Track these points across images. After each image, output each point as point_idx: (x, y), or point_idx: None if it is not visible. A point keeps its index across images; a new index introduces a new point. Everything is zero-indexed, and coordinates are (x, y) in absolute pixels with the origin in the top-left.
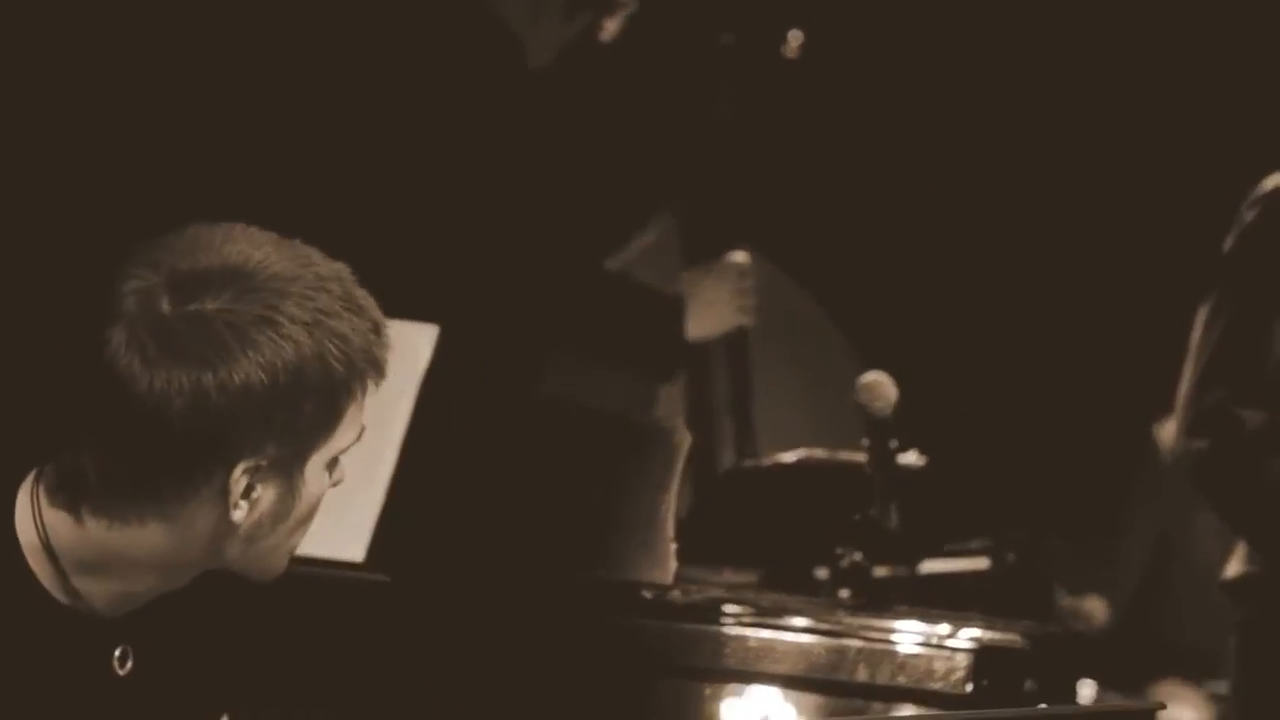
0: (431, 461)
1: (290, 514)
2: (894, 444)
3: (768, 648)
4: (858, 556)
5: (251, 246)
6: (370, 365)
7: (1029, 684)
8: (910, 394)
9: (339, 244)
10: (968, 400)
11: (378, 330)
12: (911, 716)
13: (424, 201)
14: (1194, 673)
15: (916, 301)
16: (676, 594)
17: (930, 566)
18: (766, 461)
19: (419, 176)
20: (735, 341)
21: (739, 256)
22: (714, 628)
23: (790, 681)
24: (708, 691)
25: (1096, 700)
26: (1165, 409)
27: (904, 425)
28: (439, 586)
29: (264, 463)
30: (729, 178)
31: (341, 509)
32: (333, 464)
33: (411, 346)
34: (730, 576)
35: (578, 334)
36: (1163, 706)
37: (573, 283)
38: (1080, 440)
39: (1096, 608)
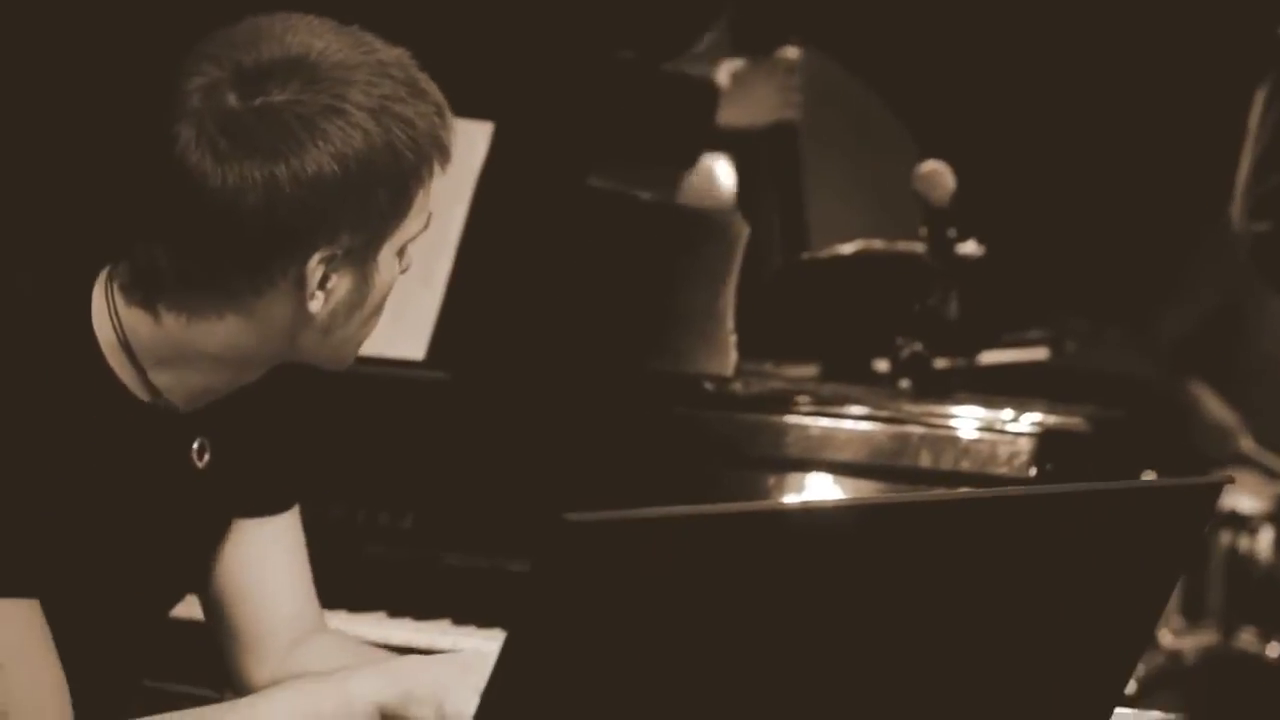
0: (490, 258)
1: (365, 302)
2: (952, 233)
3: (829, 436)
4: (918, 346)
5: (313, 36)
6: (436, 149)
7: (1092, 469)
8: (969, 182)
9: (394, 40)
10: (1026, 188)
11: (441, 113)
12: (975, 491)
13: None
14: (1245, 457)
15: (975, 90)
16: (738, 385)
17: (991, 357)
18: (824, 253)
19: None
20: (783, 135)
21: (789, 52)
22: (776, 417)
23: (853, 469)
24: (771, 481)
25: None
26: (1226, 193)
27: (962, 214)
28: (499, 383)
29: (339, 252)
30: None
31: (401, 308)
32: (402, 252)
33: (467, 144)
34: (790, 370)
35: (615, 124)
36: (1231, 480)
37: (608, 73)
38: (1140, 228)
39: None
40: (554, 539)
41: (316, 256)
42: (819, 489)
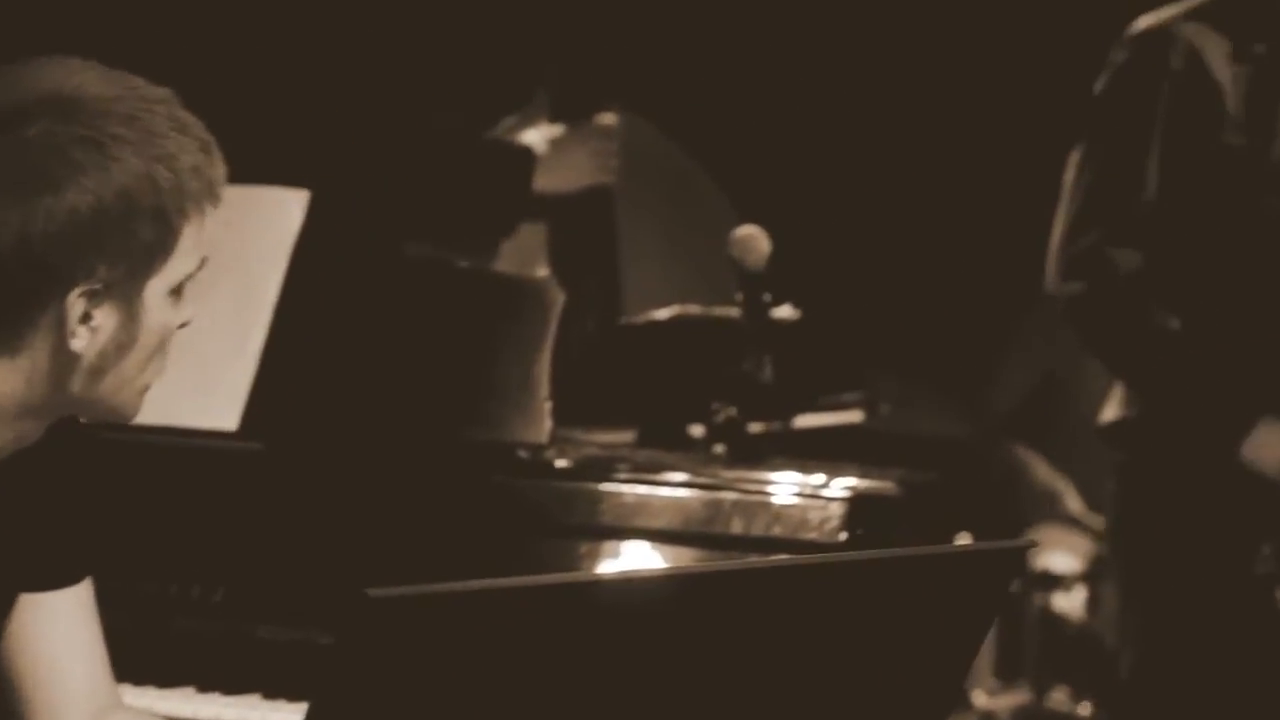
0: (306, 327)
1: (136, 343)
2: (767, 297)
3: (643, 503)
4: (732, 411)
5: (70, 73)
6: (202, 185)
7: (904, 533)
8: (785, 247)
9: (213, 111)
10: (842, 251)
11: (208, 150)
12: (784, 559)
13: (297, 70)
14: (1073, 518)
15: (792, 154)
16: (552, 453)
17: (806, 420)
18: (640, 318)
19: (289, 47)
20: (599, 200)
21: (606, 118)
22: (589, 485)
23: (668, 536)
24: (584, 549)
25: None
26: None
27: (778, 278)
28: (314, 454)
29: (99, 287)
30: (602, 38)
31: (214, 377)
32: (177, 294)
33: (283, 211)
34: (606, 436)
35: (432, 191)
36: (1033, 544)
37: (425, 140)
38: (958, 291)
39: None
40: (356, 614)
41: (76, 291)
42: (633, 557)
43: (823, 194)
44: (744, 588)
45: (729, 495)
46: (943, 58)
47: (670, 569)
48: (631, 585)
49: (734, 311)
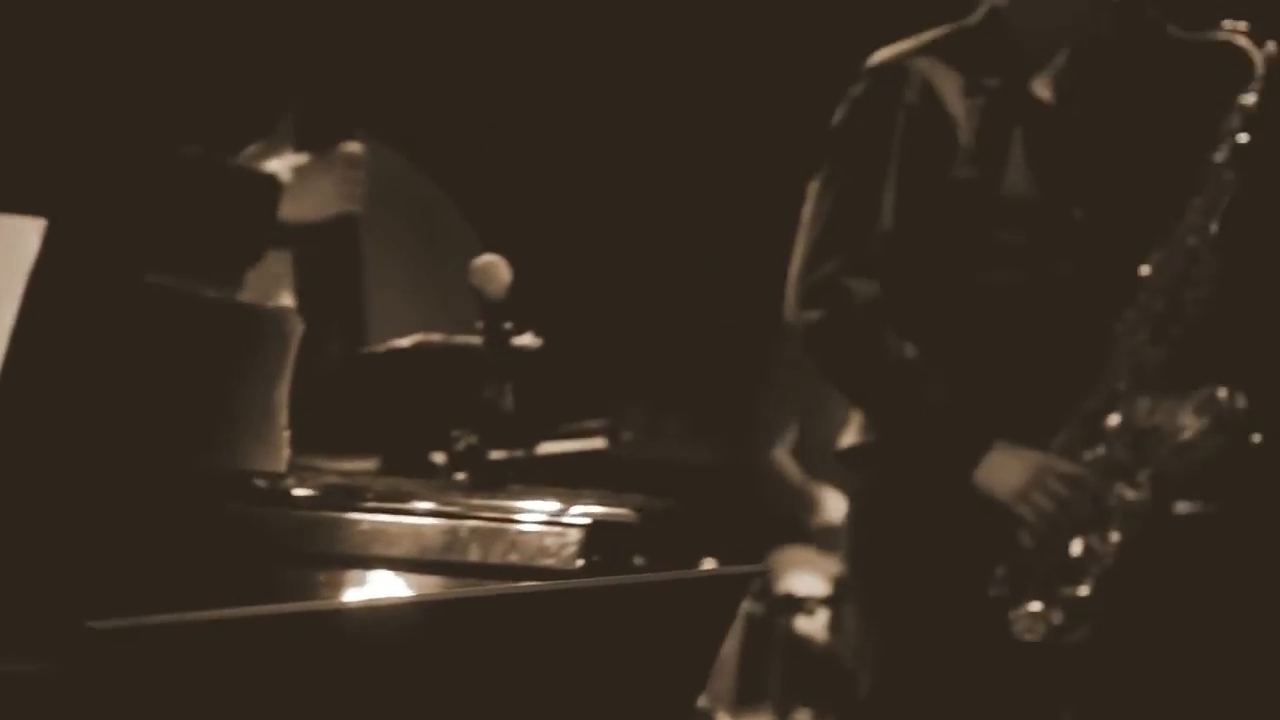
0: (42, 358)
1: None
2: (508, 326)
3: (380, 531)
4: (473, 439)
5: None
6: None
7: (642, 559)
8: (530, 276)
9: None
10: (590, 282)
11: None
12: (519, 585)
13: (31, 96)
14: (826, 540)
15: (539, 182)
16: (290, 481)
17: (548, 447)
18: (382, 347)
19: (23, 70)
20: (344, 229)
21: (351, 146)
22: (327, 513)
23: (405, 564)
24: (323, 578)
25: None
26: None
27: (522, 308)
28: (47, 484)
29: None
30: (347, 66)
31: None
32: None
33: (19, 240)
34: (348, 464)
35: (175, 219)
36: (765, 570)
37: (167, 167)
38: (713, 319)
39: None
40: (78, 646)
41: None
42: (373, 585)
43: (570, 223)
44: (481, 614)
45: (467, 523)
46: (684, 89)
47: (409, 596)
48: (371, 613)
49: (475, 340)
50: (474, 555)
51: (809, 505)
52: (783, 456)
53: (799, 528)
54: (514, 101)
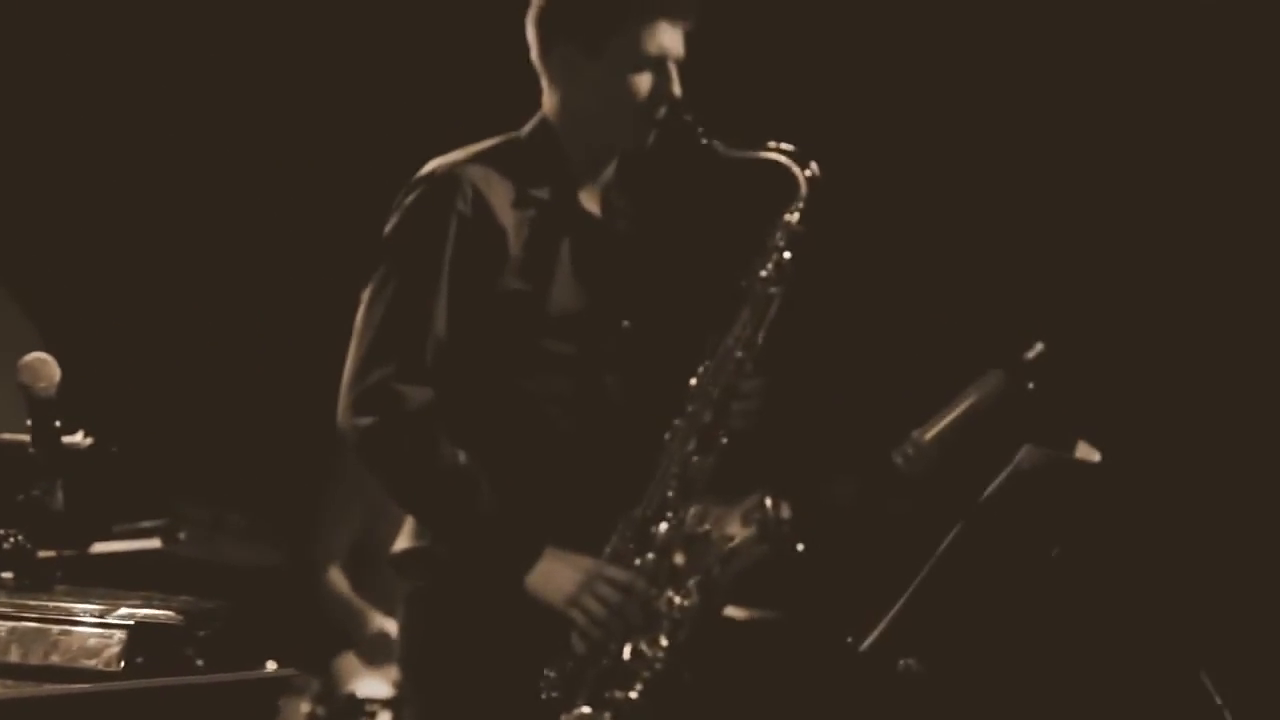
0: None
1: None
2: (58, 424)
3: None
4: (20, 537)
5: None
6: None
7: (198, 661)
8: (82, 373)
9: None
10: (142, 379)
11: None
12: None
13: None
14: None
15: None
16: None
17: (103, 547)
18: None
19: None
20: None
21: None
22: None
23: None
24: None
25: None
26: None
27: (71, 406)
28: None
29: None
30: None
31: None
32: None
33: None
34: None
35: None
36: (292, 674)
37: None
38: (275, 420)
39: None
40: None
41: None
42: None
43: (126, 317)
44: (20, 717)
45: (9, 624)
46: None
47: None
48: None
49: (23, 437)
50: (14, 656)
51: (357, 619)
52: (335, 574)
53: (350, 640)
54: (69, 187)
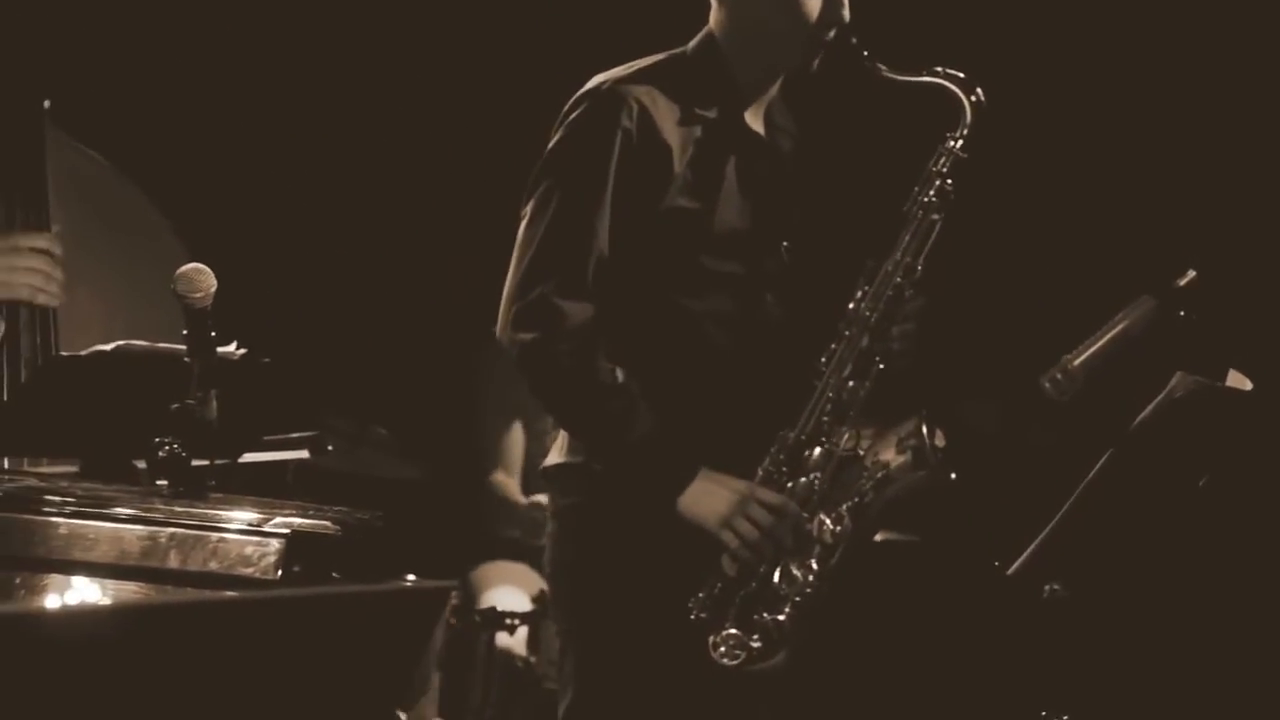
0: None
1: None
2: (213, 334)
3: (79, 535)
4: (176, 446)
5: None
6: None
7: (342, 571)
8: (232, 284)
9: None
10: (296, 293)
11: None
12: (216, 595)
13: None
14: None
15: (244, 194)
16: None
17: (252, 456)
18: (83, 352)
19: None
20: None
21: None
22: (22, 515)
23: (102, 569)
24: (19, 580)
25: None
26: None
27: (225, 316)
28: None
29: None
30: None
31: None
32: None
33: None
34: (49, 467)
35: None
36: (453, 587)
37: None
38: (422, 334)
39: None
40: None
41: None
42: (72, 590)
43: (277, 231)
44: (180, 622)
45: (166, 529)
46: (398, 102)
47: (108, 603)
48: (69, 619)
49: (179, 347)
50: (173, 562)
51: (530, 526)
52: (502, 478)
53: (521, 548)
54: (221, 104)
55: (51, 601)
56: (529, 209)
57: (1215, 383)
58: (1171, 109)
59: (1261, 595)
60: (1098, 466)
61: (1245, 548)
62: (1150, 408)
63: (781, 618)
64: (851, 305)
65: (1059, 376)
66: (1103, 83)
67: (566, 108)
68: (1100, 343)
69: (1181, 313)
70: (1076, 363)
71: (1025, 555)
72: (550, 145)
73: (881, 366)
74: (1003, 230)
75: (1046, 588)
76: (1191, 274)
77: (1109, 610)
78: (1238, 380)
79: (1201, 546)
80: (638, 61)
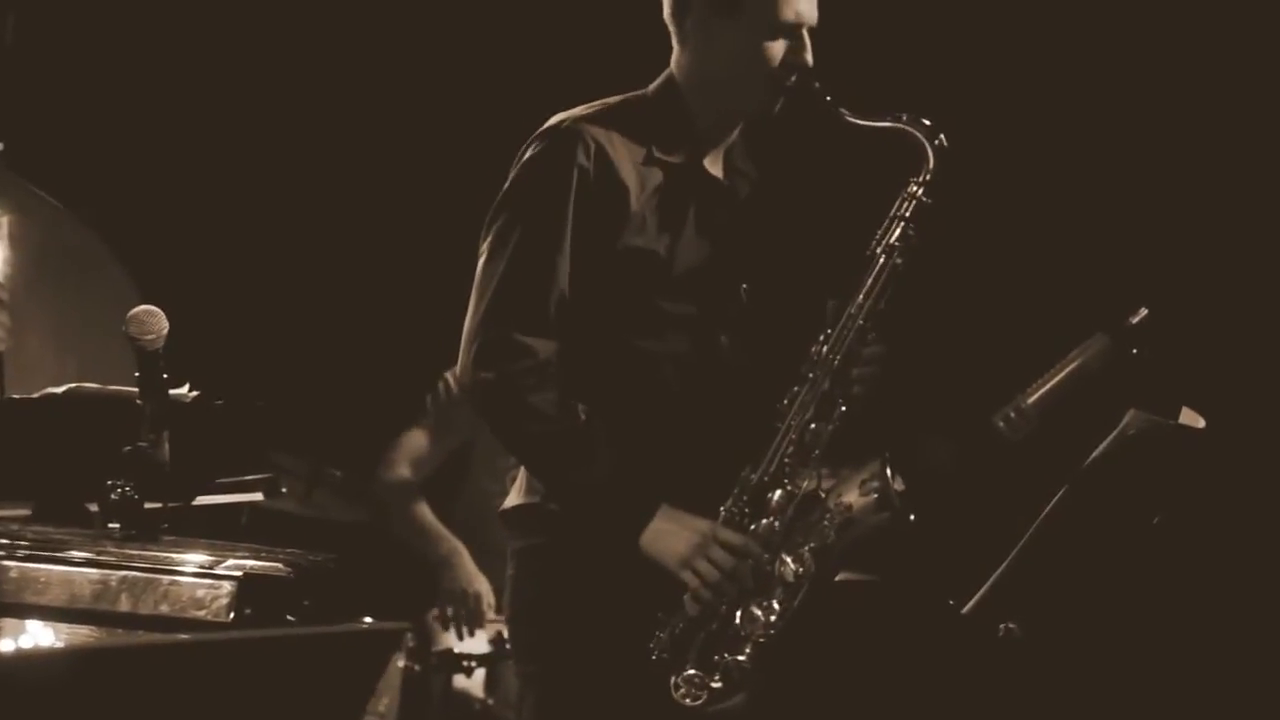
0: None
1: None
2: (165, 376)
3: (30, 578)
4: (128, 489)
5: None
6: None
7: (296, 614)
8: (189, 326)
9: None
10: (246, 334)
11: None
12: (167, 637)
13: None
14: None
15: (196, 235)
16: None
17: (206, 499)
18: (36, 394)
19: None
20: None
21: None
22: None
23: (54, 612)
24: None
25: None
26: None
27: (180, 359)
28: None
29: None
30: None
31: None
32: None
33: None
34: (0, 510)
35: None
36: (408, 629)
37: None
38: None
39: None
40: None
41: None
42: (24, 634)
43: (232, 273)
44: (131, 665)
45: (119, 573)
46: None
47: (60, 646)
48: (19, 662)
49: (131, 390)
50: (125, 605)
51: (434, 543)
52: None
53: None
54: (172, 146)
55: (3, 645)
56: (486, 246)
57: (1168, 420)
58: (1122, 148)
59: (1215, 630)
60: (1051, 504)
61: (1198, 584)
62: (1103, 445)
63: (742, 658)
64: (814, 348)
65: (1013, 415)
66: (1054, 125)
67: (524, 146)
68: (1054, 381)
69: (1134, 350)
70: (1030, 401)
71: (980, 594)
72: (508, 182)
73: (844, 409)
74: (955, 268)
75: (1002, 626)
76: (1144, 311)
77: (1064, 647)
78: (1191, 418)
79: (1156, 583)
80: (597, 102)
